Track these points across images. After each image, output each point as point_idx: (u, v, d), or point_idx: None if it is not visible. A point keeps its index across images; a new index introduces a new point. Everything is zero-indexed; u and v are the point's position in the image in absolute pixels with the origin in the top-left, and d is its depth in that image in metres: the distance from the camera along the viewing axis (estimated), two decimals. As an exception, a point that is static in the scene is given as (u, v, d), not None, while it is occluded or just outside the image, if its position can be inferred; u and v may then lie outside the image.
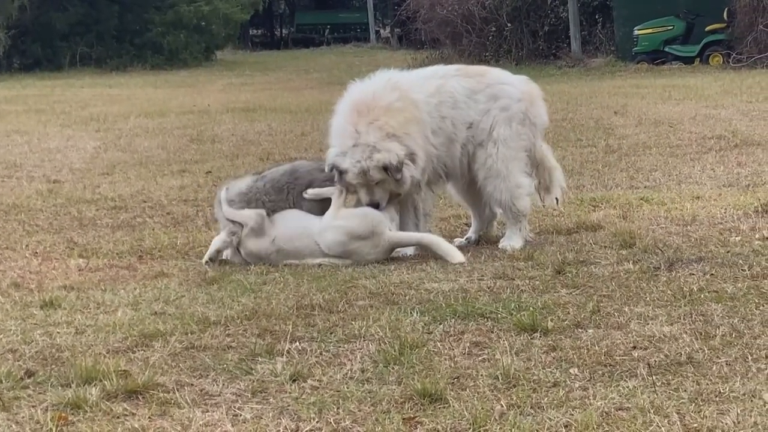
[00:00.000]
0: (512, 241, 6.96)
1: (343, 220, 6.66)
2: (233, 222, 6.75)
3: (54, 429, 3.95)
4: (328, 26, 53.68)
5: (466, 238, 7.28)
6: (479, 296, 5.62)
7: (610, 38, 28.80)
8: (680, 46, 26.11)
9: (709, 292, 5.53)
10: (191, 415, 4.03)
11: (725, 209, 7.80)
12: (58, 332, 5.17)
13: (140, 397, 4.24)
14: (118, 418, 4.04)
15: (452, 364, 4.53)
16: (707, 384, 4.18)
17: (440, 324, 5.11)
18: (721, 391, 4.10)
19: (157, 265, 6.73)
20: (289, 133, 14.47)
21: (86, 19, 34.52)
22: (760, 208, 7.69)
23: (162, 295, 5.88)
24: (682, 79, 21.58)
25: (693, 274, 5.91)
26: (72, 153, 12.86)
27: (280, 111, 17.92)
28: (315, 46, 48.93)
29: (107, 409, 4.12)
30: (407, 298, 5.65)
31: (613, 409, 3.97)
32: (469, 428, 3.84)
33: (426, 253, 6.75)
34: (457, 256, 6.56)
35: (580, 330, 4.96)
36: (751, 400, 3.99)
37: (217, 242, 6.79)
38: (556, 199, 7.40)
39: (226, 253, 6.83)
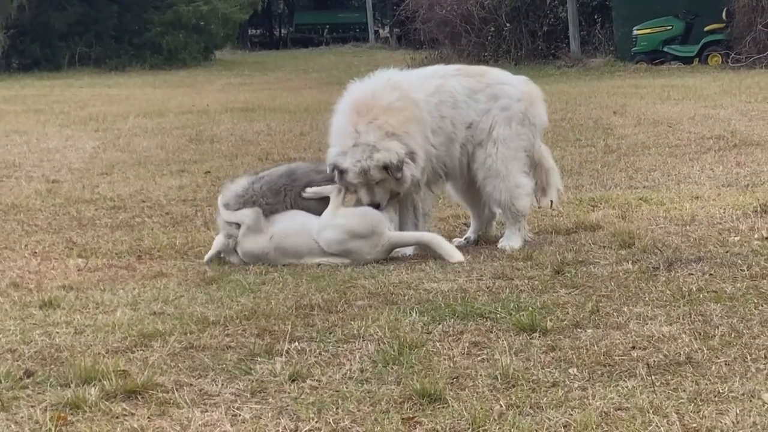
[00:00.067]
0: (511, 241, 6.96)
1: (343, 218, 6.66)
2: (231, 224, 6.75)
3: (53, 429, 3.94)
4: (327, 26, 53.67)
5: (465, 238, 7.28)
6: (478, 296, 5.62)
7: (609, 38, 28.79)
8: (679, 46, 26.09)
9: (708, 292, 5.53)
10: (190, 415, 4.03)
11: (724, 209, 7.80)
12: (57, 332, 5.17)
13: (139, 397, 4.24)
14: (117, 418, 4.04)
15: (451, 364, 4.53)
16: (706, 384, 4.18)
17: (439, 324, 5.10)
18: (720, 391, 4.10)
19: (156, 265, 6.73)
20: (288, 132, 14.46)
21: (85, 19, 34.49)
22: (759, 208, 7.69)
23: (161, 295, 5.87)
24: (681, 79, 21.58)
25: (692, 274, 5.91)
26: (71, 153, 12.84)
27: (279, 111, 17.91)
28: (314, 46, 48.94)
29: (106, 409, 4.12)
30: (406, 298, 5.65)
31: (612, 409, 3.96)
32: (469, 428, 3.84)
33: (425, 253, 6.75)
34: (457, 256, 6.56)
35: (579, 330, 4.96)
36: (750, 400, 3.99)
37: (217, 244, 6.80)
38: (551, 201, 7.41)
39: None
